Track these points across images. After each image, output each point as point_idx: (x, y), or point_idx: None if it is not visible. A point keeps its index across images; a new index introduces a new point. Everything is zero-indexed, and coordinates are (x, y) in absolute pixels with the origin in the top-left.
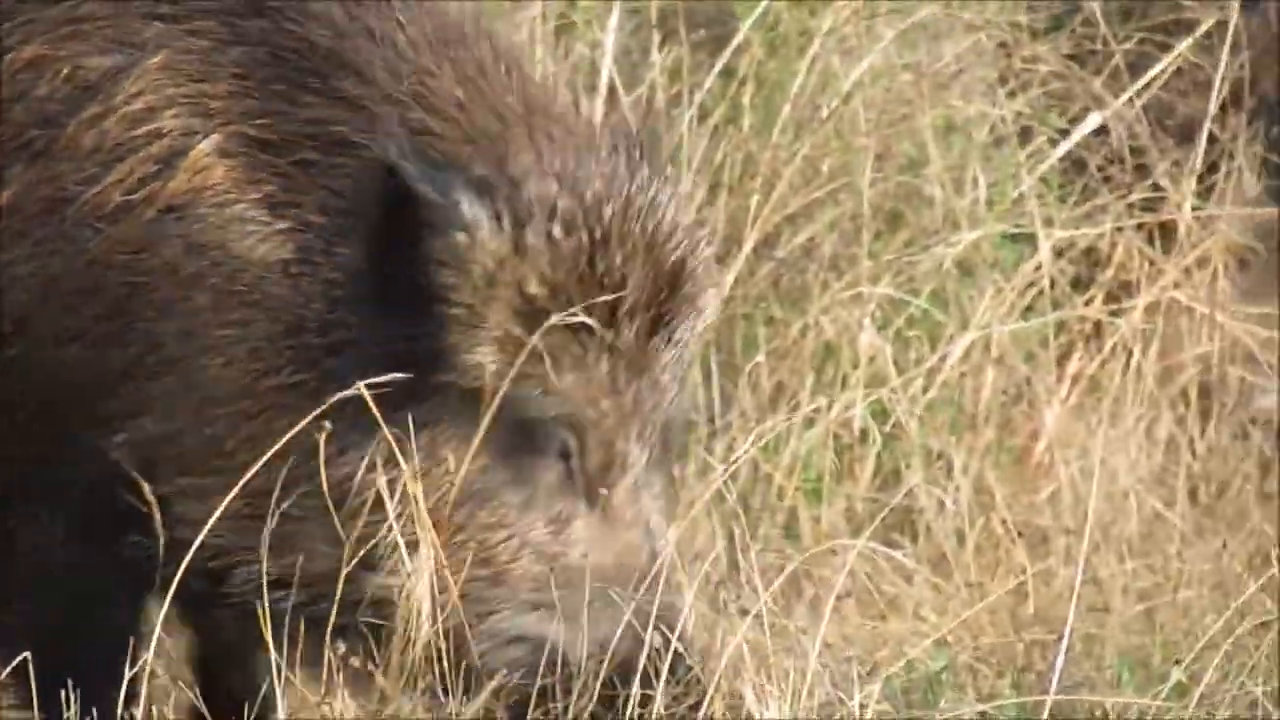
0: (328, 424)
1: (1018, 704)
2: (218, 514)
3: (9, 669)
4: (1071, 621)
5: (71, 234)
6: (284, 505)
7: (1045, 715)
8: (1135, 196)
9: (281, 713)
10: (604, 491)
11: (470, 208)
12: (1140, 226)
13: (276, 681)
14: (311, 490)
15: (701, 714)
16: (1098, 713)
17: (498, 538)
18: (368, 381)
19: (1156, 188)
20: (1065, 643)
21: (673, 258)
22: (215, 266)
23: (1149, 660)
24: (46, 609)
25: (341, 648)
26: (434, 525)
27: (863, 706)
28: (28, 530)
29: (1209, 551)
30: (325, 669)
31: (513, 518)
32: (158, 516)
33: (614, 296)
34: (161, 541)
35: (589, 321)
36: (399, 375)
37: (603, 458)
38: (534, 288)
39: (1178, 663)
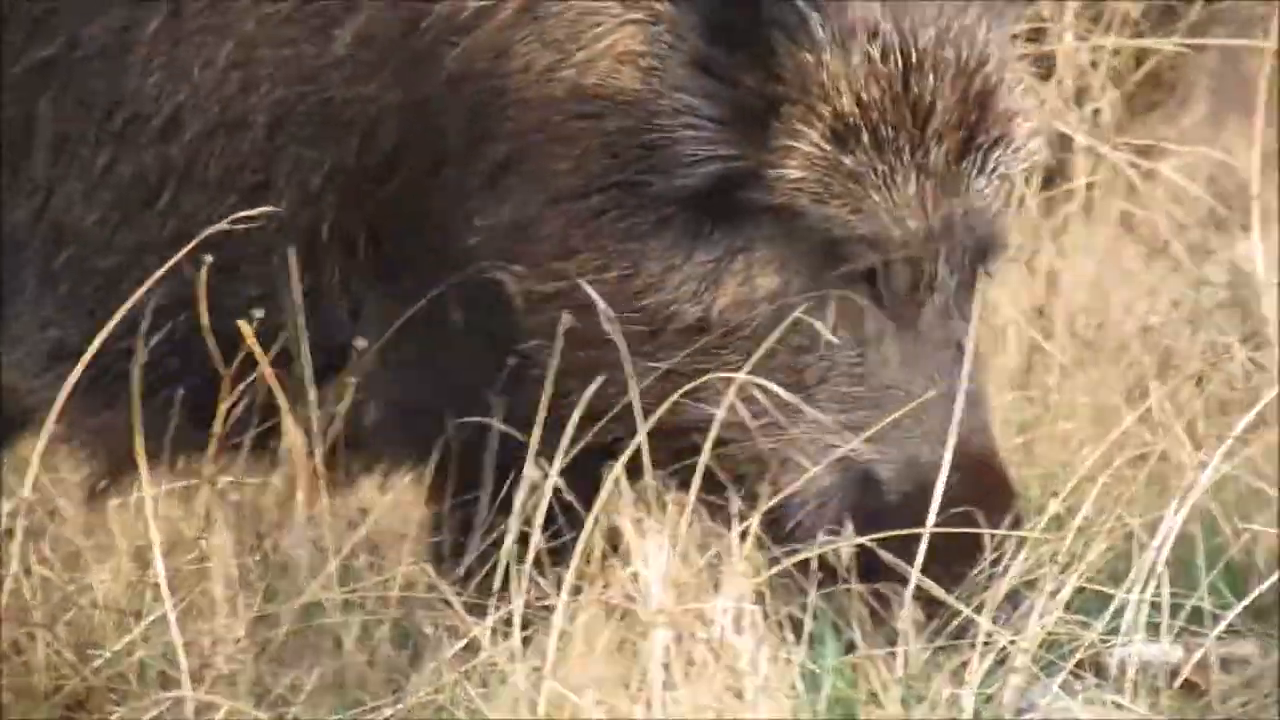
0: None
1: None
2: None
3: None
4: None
5: (431, 52)
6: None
7: (923, 546)
8: (1019, 27)
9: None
10: (913, 311)
11: (818, 27)
12: (1023, 57)
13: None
14: (638, 314)
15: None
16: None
17: (807, 360)
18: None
19: (1041, 18)
20: (943, 474)
21: (982, 84)
22: (567, 59)
23: (1027, 492)
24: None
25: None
26: (749, 354)
27: None
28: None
29: (1087, 383)
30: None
31: (822, 339)
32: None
33: (923, 117)
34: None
35: (898, 141)
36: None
37: (910, 278)
38: (849, 106)
39: (1055, 495)
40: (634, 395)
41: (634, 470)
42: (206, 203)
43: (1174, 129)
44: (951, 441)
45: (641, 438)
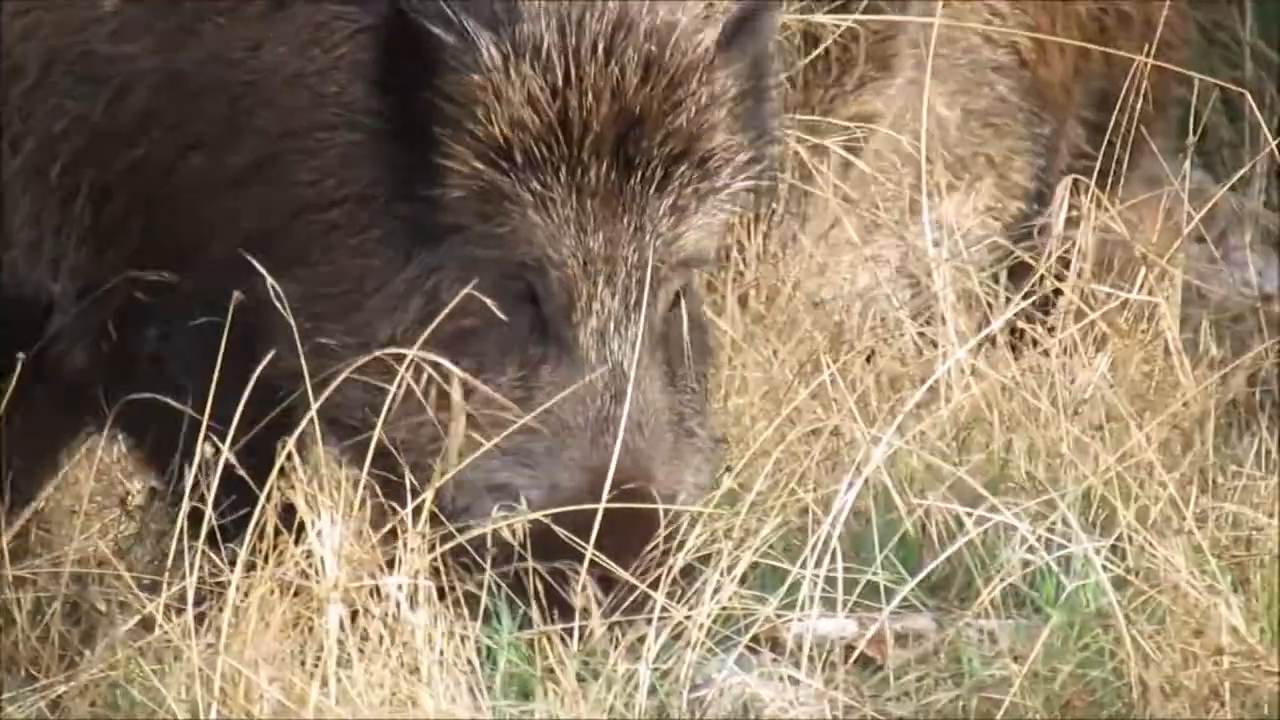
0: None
1: None
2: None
3: None
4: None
5: (194, 25)
6: (324, 336)
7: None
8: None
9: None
10: (570, 334)
11: (488, 49)
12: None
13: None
14: (346, 327)
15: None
16: None
17: (482, 380)
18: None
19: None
20: (616, 449)
21: (649, 100)
22: (310, 65)
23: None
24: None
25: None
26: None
27: None
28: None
29: (759, 358)
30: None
31: (489, 363)
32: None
33: (578, 137)
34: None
35: (553, 160)
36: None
37: (566, 300)
38: (503, 127)
39: (729, 470)
40: (305, 373)
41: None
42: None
43: (883, 100)
44: (603, 469)
45: (313, 413)
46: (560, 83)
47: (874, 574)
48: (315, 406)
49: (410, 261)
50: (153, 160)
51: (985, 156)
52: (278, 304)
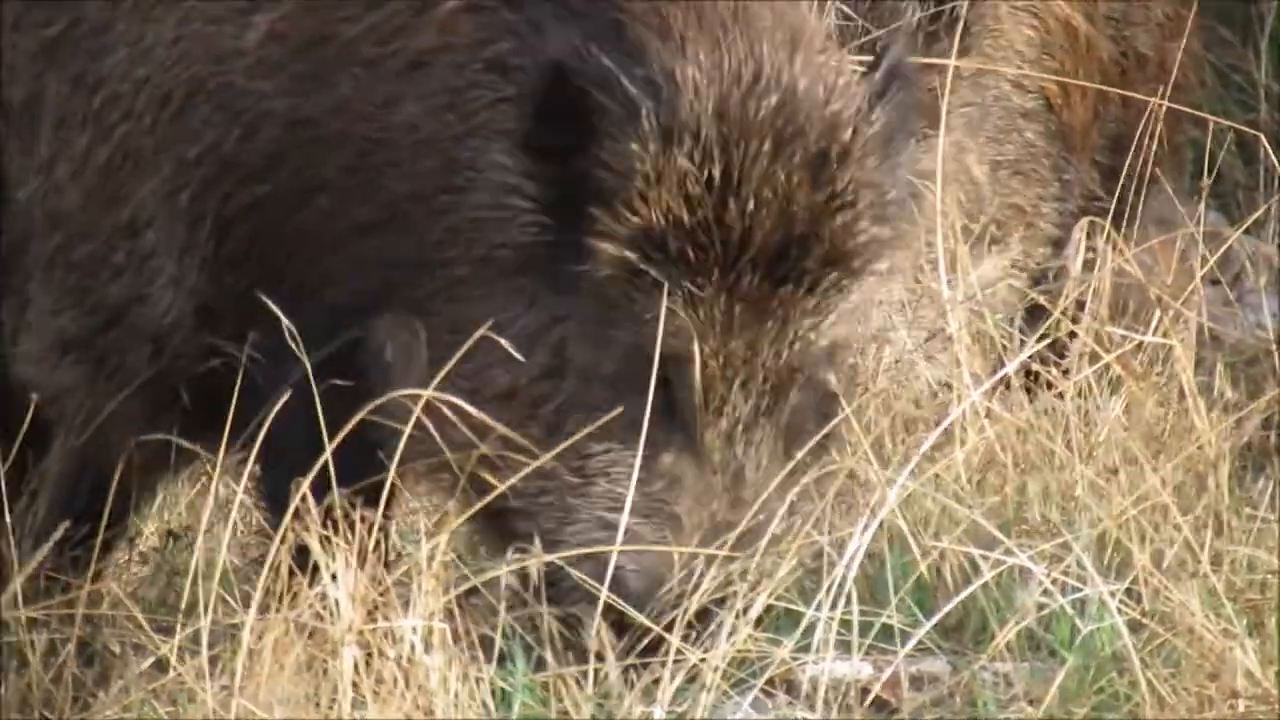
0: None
1: None
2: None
3: None
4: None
5: (331, 73)
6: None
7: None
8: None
9: None
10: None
11: (647, 118)
12: None
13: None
14: (459, 372)
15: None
16: None
17: (596, 449)
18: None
19: None
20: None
21: (811, 209)
22: (445, 131)
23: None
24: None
25: None
26: (551, 428)
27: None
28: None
29: None
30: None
31: (616, 433)
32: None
33: (737, 243)
34: None
35: (707, 260)
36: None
37: (698, 397)
38: (658, 217)
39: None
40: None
41: (321, 488)
42: (145, 182)
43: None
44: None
45: (328, 455)
46: (719, 178)
47: (889, 617)
48: (329, 450)
49: (533, 308)
50: (278, 199)
51: (1014, 207)
52: (389, 353)
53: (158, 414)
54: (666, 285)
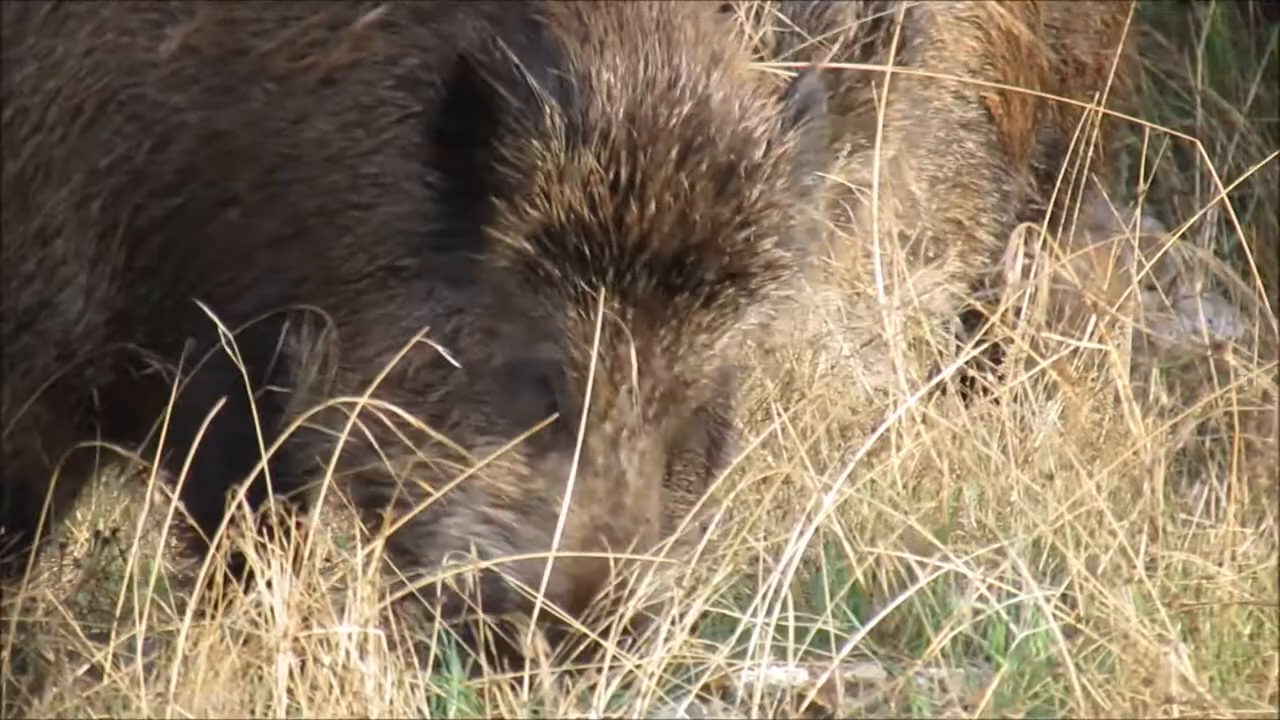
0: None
1: None
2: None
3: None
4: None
5: (243, 87)
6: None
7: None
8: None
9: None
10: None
11: (550, 116)
12: None
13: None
14: (351, 363)
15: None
16: None
17: (480, 441)
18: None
19: None
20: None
21: (718, 223)
22: (354, 147)
23: None
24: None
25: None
26: (436, 417)
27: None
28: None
29: None
30: None
31: (500, 428)
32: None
33: (634, 247)
34: None
35: (603, 261)
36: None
37: (577, 400)
38: (560, 213)
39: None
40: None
41: (257, 495)
42: (56, 192)
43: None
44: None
45: (264, 463)
46: (624, 181)
47: (824, 623)
48: (266, 457)
49: (430, 298)
50: (190, 211)
51: (953, 221)
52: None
53: (69, 420)
54: (559, 281)
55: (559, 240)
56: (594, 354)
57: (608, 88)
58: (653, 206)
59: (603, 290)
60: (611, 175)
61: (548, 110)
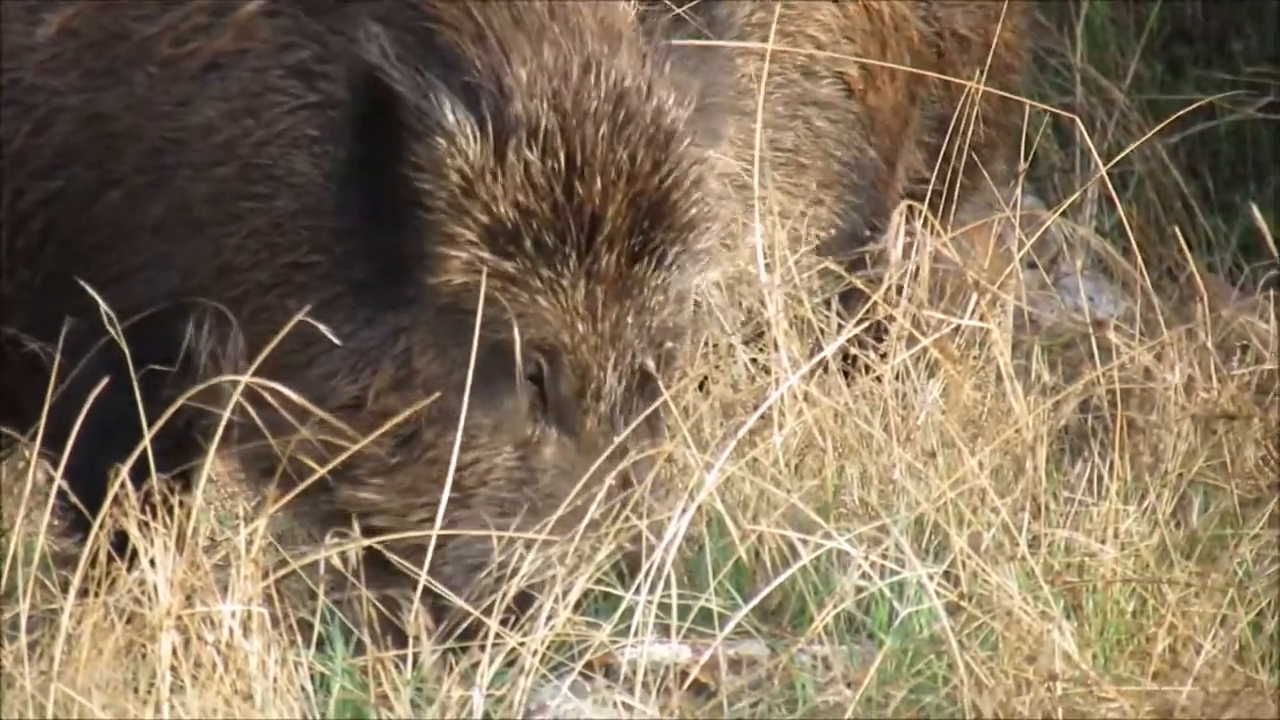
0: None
1: None
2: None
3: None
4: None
5: (125, 70)
6: (306, 391)
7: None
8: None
9: None
10: (576, 418)
11: (452, 113)
12: None
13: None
14: (300, 384)
15: None
16: None
17: (466, 459)
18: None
19: None
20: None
21: (659, 186)
22: (245, 136)
23: None
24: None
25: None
26: (404, 441)
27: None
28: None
29: None
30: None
31: (483, 440)
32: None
33: (589, 226)
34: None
35: (564, 247)
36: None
37: (575, 384)
38: (507, 210)
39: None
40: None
41: (141, 473)
42: None
43: None
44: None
45: (146, 442)
46: (565, 167)
47: (708, 600)
48: (150, 436)
49: (373, 324)
50: (71, 193)
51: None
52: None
53: None
54: (521, 276)
55: (514, 238)
56: (577, 339)
57: (524, 83)
58: (598, 185)
59: (568, 276)
60: (549, 165)
61: (464, 117)
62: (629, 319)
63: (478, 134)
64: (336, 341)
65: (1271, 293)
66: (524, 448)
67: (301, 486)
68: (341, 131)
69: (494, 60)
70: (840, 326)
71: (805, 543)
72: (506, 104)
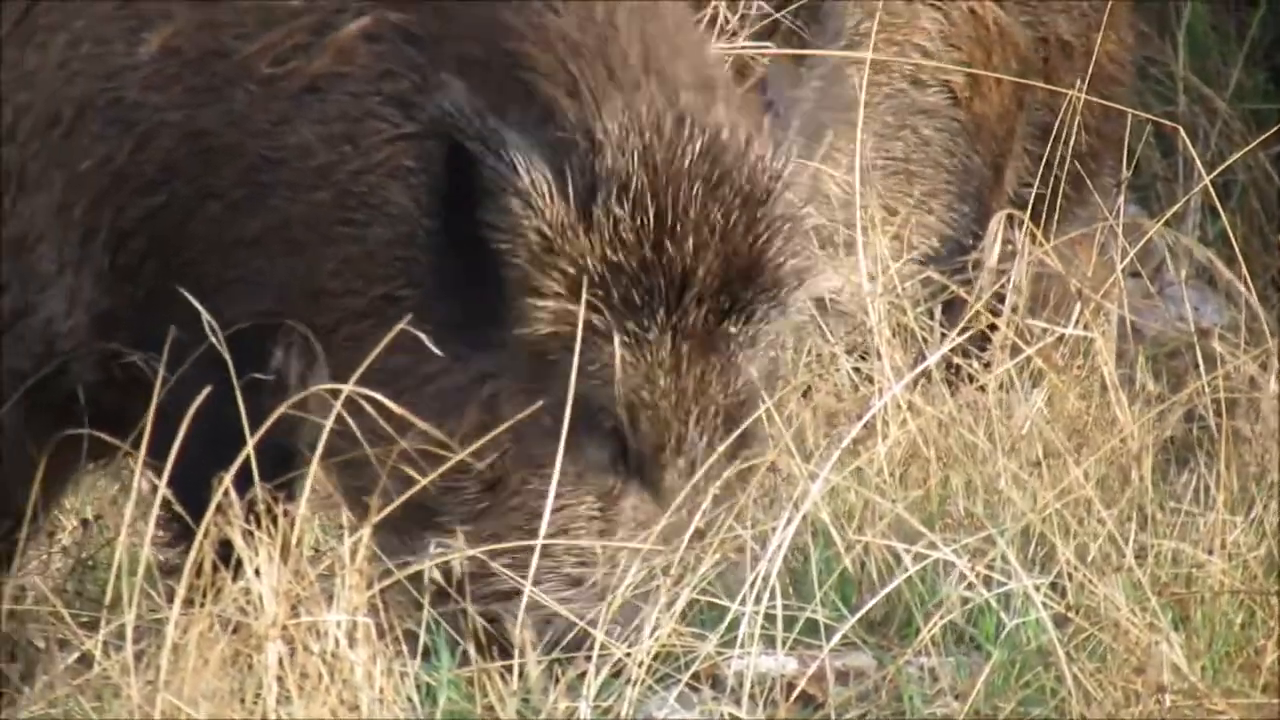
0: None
1: None
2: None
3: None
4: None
5: (225, 86)
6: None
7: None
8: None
9: None
10: (657, 473)
11: (528, 172)
12: None
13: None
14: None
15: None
16: None
17: (555, 508)
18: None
19: None
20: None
21: (750, 245)
22: (342, 162)
23: None
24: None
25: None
26: (490, 485)
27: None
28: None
29: None
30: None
31: (564, 488)
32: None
33: (680, 283)
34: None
35: (652, 303)
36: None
37: (656, 439)
38: (595, 265)
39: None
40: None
41: (244, 483)
42: (33, 199)
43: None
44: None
45: (250, 450)
46: (655, 224)
47: (813, 611)
48: (252, 445)
49: (458, 364)
50: (172, 208)
51: (888, 209)
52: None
53: (53, 414)
54: (614, 331)
55: (603, 291)
56: (659, 393)
57: (616, 137)
58: (690, 244)
59: (654, 331)
60: (640, 221)
61: (535, 173)
62: (714, 374)
63: (555, 192)
64: (438, 353)
65: None
66: (603, 499)
67: (397, 503)
68: (432, 178)
69: (586, 113)
70: (943, 336)
71: (910, 553)
72: (596, 159)
